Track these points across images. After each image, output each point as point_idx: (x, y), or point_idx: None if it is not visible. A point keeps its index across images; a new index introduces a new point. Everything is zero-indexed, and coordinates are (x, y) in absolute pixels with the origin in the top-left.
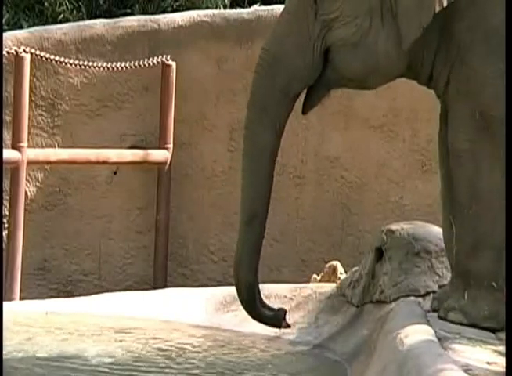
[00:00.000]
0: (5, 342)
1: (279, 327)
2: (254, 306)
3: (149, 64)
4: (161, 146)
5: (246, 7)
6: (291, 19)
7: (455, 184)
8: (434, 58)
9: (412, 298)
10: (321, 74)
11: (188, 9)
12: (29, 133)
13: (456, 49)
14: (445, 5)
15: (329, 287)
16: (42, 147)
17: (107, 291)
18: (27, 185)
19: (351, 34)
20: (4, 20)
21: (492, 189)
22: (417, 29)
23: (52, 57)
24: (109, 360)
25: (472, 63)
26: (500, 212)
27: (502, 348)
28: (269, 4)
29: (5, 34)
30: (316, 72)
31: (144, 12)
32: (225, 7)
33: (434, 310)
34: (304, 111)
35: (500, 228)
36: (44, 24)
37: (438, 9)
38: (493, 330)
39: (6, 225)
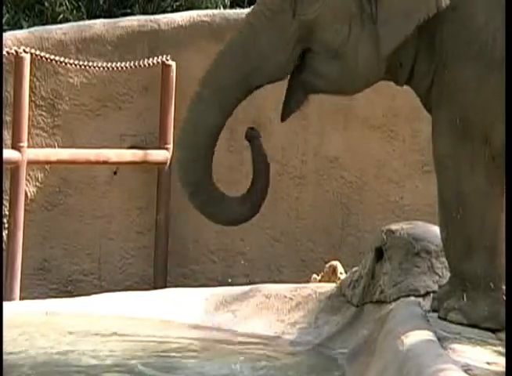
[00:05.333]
0: (5, 342)
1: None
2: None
3: (149, 64)
4: (161, 146)
5: (246, 7)
6: (268, 14)
7: (440, 188)
8: (415, 60)
9: (412, 298)
10: (299, 79)
11: (188, 9)
12: (29, 133)
13: (439, 53)
14: (431, 15)
15: (329, 287)
16: (42, 147)
17: (107, 291)
18: (27, 185)
19: (330, 40)
20: (4, 20)
21: (475, 191)
22: (399, 38)
23: (52, 57)
24: (109, 360)
25: (453, 68)
26: (487, 213)
27: (503, 349)
28: None
29: (5, 34)
30: (285, 71)
31: (144, 12)
32: (225, 7)
33: (434, 310)
34: (283, 118)
35: (489, 228)
36: (44, 24)
37: (422, 19)
38: (493, 331)
39: (6, 225)
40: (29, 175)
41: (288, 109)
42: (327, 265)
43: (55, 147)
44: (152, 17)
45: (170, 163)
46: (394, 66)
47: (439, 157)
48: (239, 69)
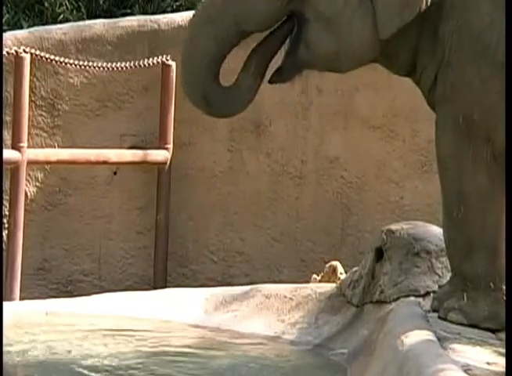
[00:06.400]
0: (5, 342)
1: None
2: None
3: (149, 64)
4: (161, 146)
5: None
6: None
7: (442, 188)
8: (416, 53)
9: (412, 298)
10: (293, 53)
11: (188, 9)
12: (29, 133)
13: (442, 51)
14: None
15: (329, 287)
16: (42, 147)
17: (107, 291)
18: (26, 185)
19: (323, 5)
20: (4, 20)
21: (476, 191)
22: (398, 23)
23: (52, 57)
24: (109, 361)
25: (456, 66)
26: (488, 212)
27: (503, 349)
28: None
29: (5, 34)
30: (274, 23)
31: (144, 12)
32: None
33: (434, 310)
34: (271, 81)
35: (490, 228)
36: (44, 24)
37: (423, 7)
38: (493, 331)
39: (6, 225)
40: (29, 175)
41: (280, 77)
42: (327, 265)
43: (55, 147)
44: (152, 17)
45: (170, 163)
46: (390, 54)
47: (442, 157)
48: (229, 15)
